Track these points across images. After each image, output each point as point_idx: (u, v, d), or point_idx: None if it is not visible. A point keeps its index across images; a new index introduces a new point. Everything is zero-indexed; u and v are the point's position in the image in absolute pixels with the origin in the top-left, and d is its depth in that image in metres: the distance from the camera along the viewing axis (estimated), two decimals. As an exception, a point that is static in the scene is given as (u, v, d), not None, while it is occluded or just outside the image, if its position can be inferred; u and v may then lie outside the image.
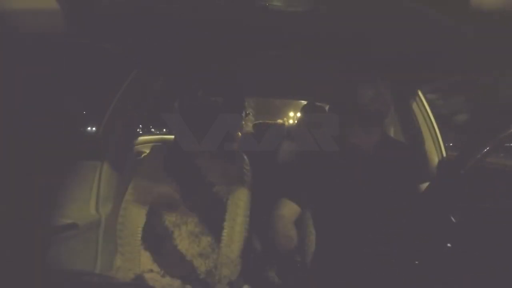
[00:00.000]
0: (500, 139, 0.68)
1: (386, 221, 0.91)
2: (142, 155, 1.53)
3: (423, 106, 1.45)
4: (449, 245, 0.75)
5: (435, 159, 1.42)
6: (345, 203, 0.94)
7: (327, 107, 1.89)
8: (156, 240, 1.12)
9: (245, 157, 1.24)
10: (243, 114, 1.93)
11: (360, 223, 0.92)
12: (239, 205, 1.13)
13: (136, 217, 1.12)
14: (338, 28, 0.89)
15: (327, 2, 0.76)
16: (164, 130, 3.13)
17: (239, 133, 1.98)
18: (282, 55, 1.24)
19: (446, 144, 1.44)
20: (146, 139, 2.16)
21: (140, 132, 2.33)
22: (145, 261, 1.10)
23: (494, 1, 0.57)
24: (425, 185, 0.96)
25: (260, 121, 2.34)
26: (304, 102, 2.05)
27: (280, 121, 2.16)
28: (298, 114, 1.94)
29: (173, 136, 1.29)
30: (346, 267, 0.90)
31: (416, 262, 0.75)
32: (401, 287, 0.85)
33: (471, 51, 0.92)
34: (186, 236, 1.11)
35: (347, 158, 0.99)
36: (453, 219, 0.72)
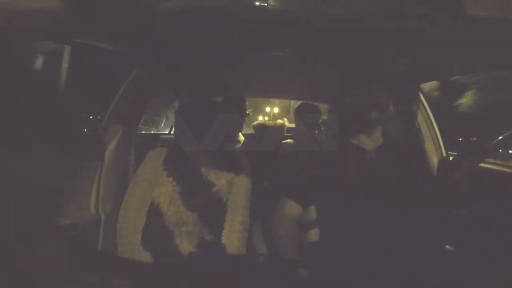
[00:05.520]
0: (496, 143, 0.68)
1: (388, 221, 0.91)
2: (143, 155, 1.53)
3: (423, 106, 1.45)
4: (448, 246, 0.76)
5: (435, 159, 1.42)
6: (347, 203, 0.94)
7: (321, 107, 1.89)
8: (156, 240, 1.12)
9: (245, 157, 1.24)
10: (244, 114, 1.93)
11: (362, 223, 0.92)
12: (239, 205, 1.13)
13: (136, 217, 1.12)
14: (335, 28, 0.90)
15: (326, 3, 0.77)
16: (164, 130, 3.14)
17: (240, 133, 1.98)
18: (281, 55, 1.24)
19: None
20: (146, 139, 2.16)
21: (140, 132, 2.33)
22: (145, 261, 1.10)
23: (490, 9, 0.58)
24: (425, 185, 0.96)
25: (260, 121, 2.34)
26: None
27: (280, 121, 2.16)
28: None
29: (173, 136, 1.29)
30: (347, 267, 0.90)
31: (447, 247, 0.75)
32: (402, 287, 0.85)
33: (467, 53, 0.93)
34: (186, 236, 1.11)
35: (349, 158, 0.99)
36: (448, 247, 0.72)
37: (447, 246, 0.77)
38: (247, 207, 1.14)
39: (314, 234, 1.05)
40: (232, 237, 1.09)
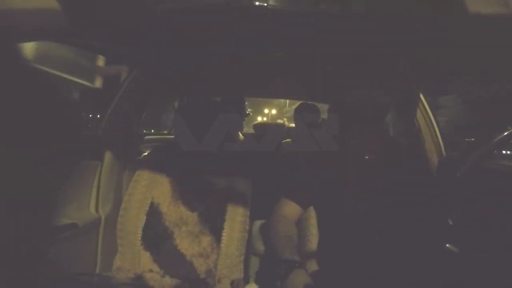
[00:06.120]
0: (496, 142, 0.68)
1: (388, 222, 0.91)
2: (142, 155, 1.53)
3: (423, 107, 1.45)
4: (448, 245, 0.75)
5: (435, 159, 1.42)
6: (346, 204, 0.94)
7: (320, 107, 1.89)
8: (156, 240, 1.12)
9: (245, 157, 1.24)
10: (244, 114, 1.94)
11: (362, 224, 0.92)
12: (239, 205, 1.13)
13: (136, 217, 1.12)
14: (335, 28, 0.90)
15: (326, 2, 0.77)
16: (163, 130, 3.14)
17: (240, 133, 1.99)
18: (281, 55, 1.24)
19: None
20: (146, 139, 2.16)
21: (141, 132, 2.33)
22: (145, 261, 1.10)
23: (492, 7, 0.58)
24: (425, 185, 0.96)
25: (260, 121, 2.34)
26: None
27: (280, 121, 2.17)
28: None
29: (173, 136, 1.29)
30: (346, 268, 0.90)
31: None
32: (402, 287, 0.85)
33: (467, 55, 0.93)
34: (186, 236, 1.11)
35: (349, 159, 0.99)
36: (450, 221, 0.72)
37: (447, 245, 0.77)
38: (247, 207, 1.14)
39: (313, 235, 1.05)
40: (232, 237, 1.09)
